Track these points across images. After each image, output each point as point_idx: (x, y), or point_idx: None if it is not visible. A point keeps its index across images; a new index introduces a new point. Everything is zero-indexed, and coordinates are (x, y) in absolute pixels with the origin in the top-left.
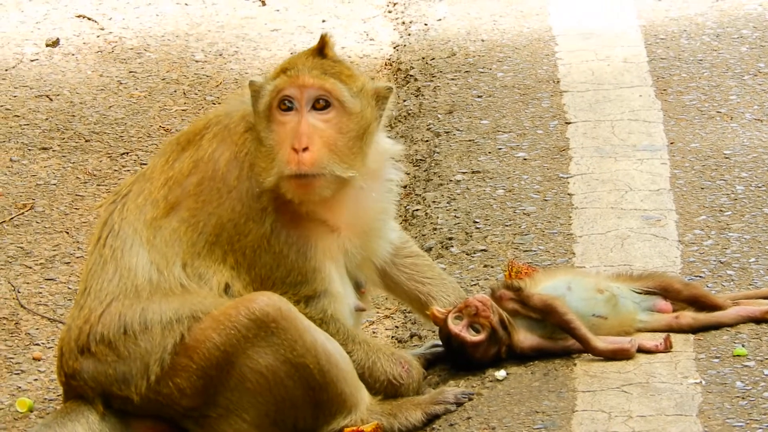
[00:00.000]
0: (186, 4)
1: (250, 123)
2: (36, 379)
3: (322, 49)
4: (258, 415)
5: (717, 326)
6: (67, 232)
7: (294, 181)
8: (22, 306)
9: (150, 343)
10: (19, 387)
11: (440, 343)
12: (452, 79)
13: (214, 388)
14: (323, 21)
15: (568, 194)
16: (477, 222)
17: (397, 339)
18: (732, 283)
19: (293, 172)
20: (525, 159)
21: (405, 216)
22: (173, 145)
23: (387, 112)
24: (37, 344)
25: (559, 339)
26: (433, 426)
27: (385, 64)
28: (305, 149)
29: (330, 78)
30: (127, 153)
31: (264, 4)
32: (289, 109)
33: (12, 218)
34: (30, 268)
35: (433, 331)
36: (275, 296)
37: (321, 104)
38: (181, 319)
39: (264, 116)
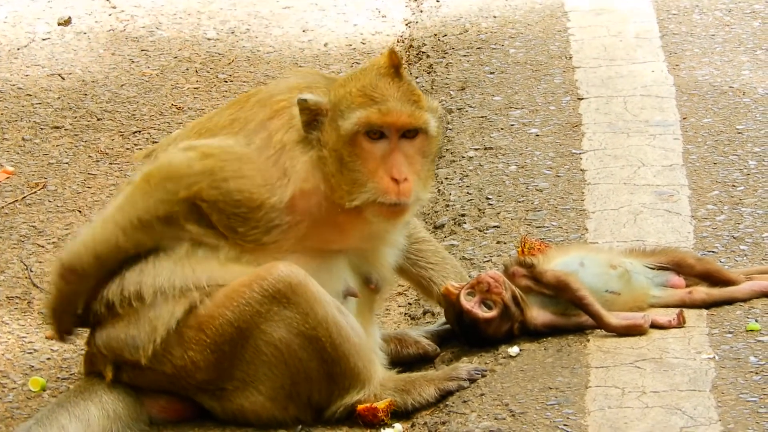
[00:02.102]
0: None
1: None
2: (49, 358)
3: (397, 69)
4: (273, 387)
5: (730, 301)
6: (80, 211)
7: (387, 209)
8: (34, 285)
9: (158, 308)
10: (32, 366)
11: None
12: (464, 55)
13: (229, 361)
14: None
15: (581, 170)
16: (489, 198)
17: (410, 316)
18: (745, 257)
19: (392, 202)
20: (537, 135)
21: None
22: (218, 109)
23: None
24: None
25: (572, 315)
26: (447, 402)
27: (397, 41)
28: (405, 179)
29: (421, 112)
30: (140, 131)
31: None
32: (378, 138)
33: (24, 197)
34: (42, 247)
35: None
36: (285, 269)
37: (411, 135)
38: (187, 286)
39: (346, 140)
